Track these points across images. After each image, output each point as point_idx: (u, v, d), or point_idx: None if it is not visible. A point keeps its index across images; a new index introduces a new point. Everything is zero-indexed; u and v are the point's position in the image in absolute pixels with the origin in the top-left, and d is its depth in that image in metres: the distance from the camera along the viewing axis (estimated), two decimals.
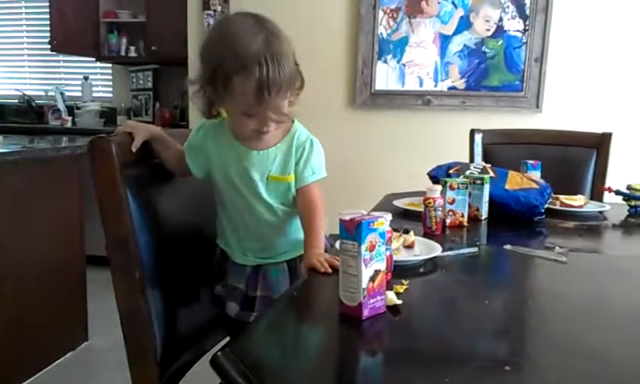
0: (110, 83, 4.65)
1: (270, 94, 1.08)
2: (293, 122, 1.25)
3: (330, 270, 1.04)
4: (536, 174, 1.82)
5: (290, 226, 1.28)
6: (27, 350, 2.22)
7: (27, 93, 4.51)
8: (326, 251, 1.18)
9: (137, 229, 1.10)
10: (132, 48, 4.29)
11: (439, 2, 3.01)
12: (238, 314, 1.29)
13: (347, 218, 0.86)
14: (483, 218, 1.59)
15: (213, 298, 1.34)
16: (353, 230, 0.84)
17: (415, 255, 1.17)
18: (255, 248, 1.29)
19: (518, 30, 2.95)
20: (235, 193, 1.24)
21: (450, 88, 3.06)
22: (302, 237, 1.23)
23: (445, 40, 3.03)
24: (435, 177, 1.72)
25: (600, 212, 1.79)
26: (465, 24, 3.00)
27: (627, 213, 1.77)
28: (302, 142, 1.24)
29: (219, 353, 0.72)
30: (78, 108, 4.33)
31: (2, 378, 2.11)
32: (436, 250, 1.18)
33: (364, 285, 0.83)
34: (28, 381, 2.21)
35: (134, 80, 4.41)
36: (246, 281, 1.29)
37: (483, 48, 3.00)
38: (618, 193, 1.80)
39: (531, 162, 1.88)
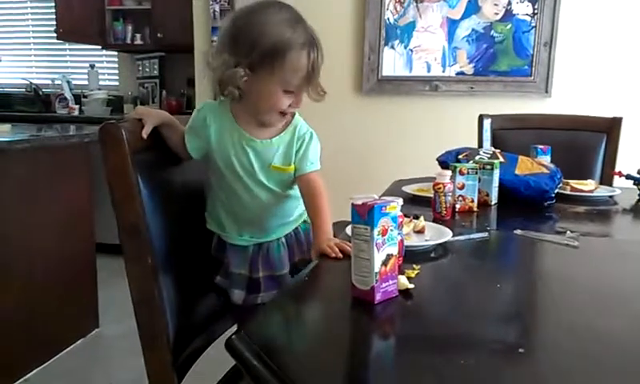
0: (117, 71, 4.65)
1: (318, 74, 1.19)
2: (294, 114, 1.27)
3: (340, 255, 1.04)
4: (546, 159, 1.81)
5: (286, 206, 1.31)
6: (38, 337, 2.24)
7: (34, 82, 4.53)
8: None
9: (149, 215, 1.10)
10: (137, 35, 4.28)
11: None
12: (246, 298, 1.30)
13: (359, 202, 0.86)
14: (493, 203, 1.59)
15: (214, 289, 1.35)
16: (365, 215, 0.84)
17: (426, 240, 1.17)
18: (251, 229, 1.31)
19: (527, 14, 2.92)
20: (235, 177, 1.25)
21: (458, 73, 3.04)
22: (298, 213, 1.32)
23: (452, 24, 3.00)
24: (445, 162, 1.72)
25: (610, 196, 1.78)
26: (473, 8, 2.97)
27: (638, 197, 1.76)
28: (302, 133, 1.27)
29: (234, 336, 0.72)
30: (85, 96, 4.34)
31: (14, 365, 2.14)
32: (446, 234, 1.18)
33: (376, 269, 0.84)
34: (40, 368, 2.24)
35: (140, 68, 4.40)
36: (249, 264, 1.31)
37: (491, 32, 2.96)
38: (628, 177, 1.79)
39: (541, 146, 1.87)
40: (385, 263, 0.85)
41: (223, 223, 1.31)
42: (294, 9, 1.20)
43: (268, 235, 1.31)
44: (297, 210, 1.34)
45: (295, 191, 1.29)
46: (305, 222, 1.36)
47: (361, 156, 3.15)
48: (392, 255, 0.86)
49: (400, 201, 1.00)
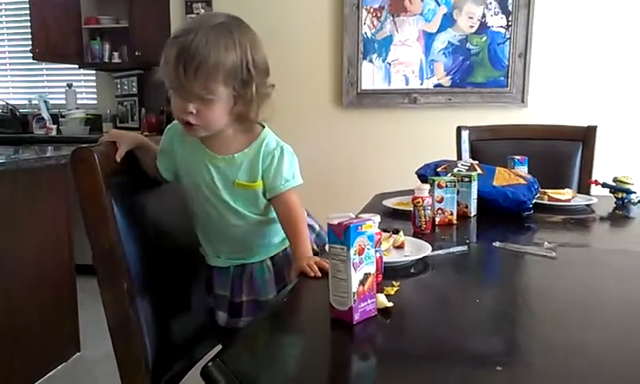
0: (95, 90, 4.61)
1: (186, 68, 1.04)
2: (263, 127, 1.22)
3: (319, 274, 1.03)
4: (523, 170, 1.83)
5: (264, 230, 1.26)
6: (18, 362, 2.19)
7: (10, 102, 4.45)
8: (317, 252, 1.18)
9: (123, 239, 1.08)
10: (115, 54, 4.25)
11: (422, 0, 3.02)
12: (228, 321, 1.28)
13: (335, 222, 0.85)
14: (472, 215, 1.60)
15: (207, 309, 1.33)
16: (341, 234, 0.83)
17: (405, 256, 1.16)
18: (226, 250, 1.27)
19: (501, 26, 2.97)
20: (202, 197, 1.21)
21: (435, 85, 3.07)
22: (279, 239, 1.26)
23: (429, 38, 3.04)
24: (423, 175, 1.72)
25: (587, 205, 1.80)
26: (448, 21, 3.01)
27: (614, 205, 1.78)
28: (270, 149, 1.19)
29: (210, 363, 0.71)
30: (63, 116, 4.28)
31: None
32: (426, 249, 1.18)
33: (354, 289, 0.83)
34: None
35: (119, 86, 4.36)
36: (231, 287, 1.27)
37: (467, 45, 3.01)
38: (604, 185, 1.81)
39: (518, 157, 1.89)
40: (362, 283, 0.84)
41: (202, 243, 1.30)
42: (228, 14, 1.13)
43: (249, 257, 1.27)
44: (281, 233, 1.25)
45: (273, 213, 1.24)
46: None
47: (341, 169, 3.16)
48: (370, 274, 0.86)
49: (377, 218, 1.01)
